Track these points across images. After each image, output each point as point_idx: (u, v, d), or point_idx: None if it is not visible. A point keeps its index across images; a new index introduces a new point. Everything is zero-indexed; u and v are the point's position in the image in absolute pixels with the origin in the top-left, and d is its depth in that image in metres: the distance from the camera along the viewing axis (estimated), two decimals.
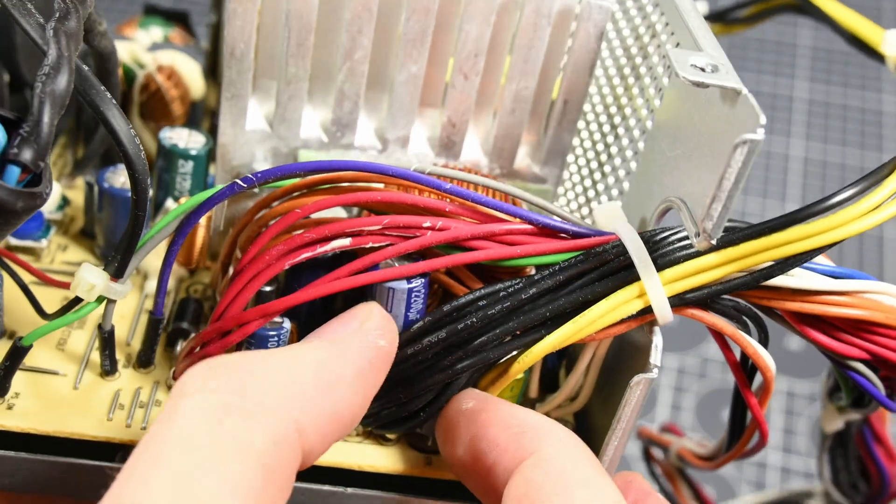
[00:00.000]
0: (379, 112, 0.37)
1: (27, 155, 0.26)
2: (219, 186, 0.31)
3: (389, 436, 0.34)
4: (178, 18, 0.50)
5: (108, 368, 0.33)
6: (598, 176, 0.38)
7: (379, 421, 0.33)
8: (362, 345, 0.28)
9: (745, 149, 0.26)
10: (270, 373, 0.26)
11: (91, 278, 0.30)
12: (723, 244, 0.29)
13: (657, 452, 0.44)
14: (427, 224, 0.31)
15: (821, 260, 0.31)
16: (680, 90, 0.31)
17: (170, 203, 0.38)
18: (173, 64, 0.45)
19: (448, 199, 0.31)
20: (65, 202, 0.40)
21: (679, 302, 0.30)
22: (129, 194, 0.34)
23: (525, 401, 0.36)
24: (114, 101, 0.29)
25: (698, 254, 0.29)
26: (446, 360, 0.30)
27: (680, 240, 0.30)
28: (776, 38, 0.94)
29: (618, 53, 0.37)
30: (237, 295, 0.31)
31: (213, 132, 0.38)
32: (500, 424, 0.29)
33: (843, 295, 0.31)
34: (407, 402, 0.32)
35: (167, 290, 0.33)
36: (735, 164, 0.26)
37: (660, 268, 0.30)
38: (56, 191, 0.40)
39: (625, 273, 0.30)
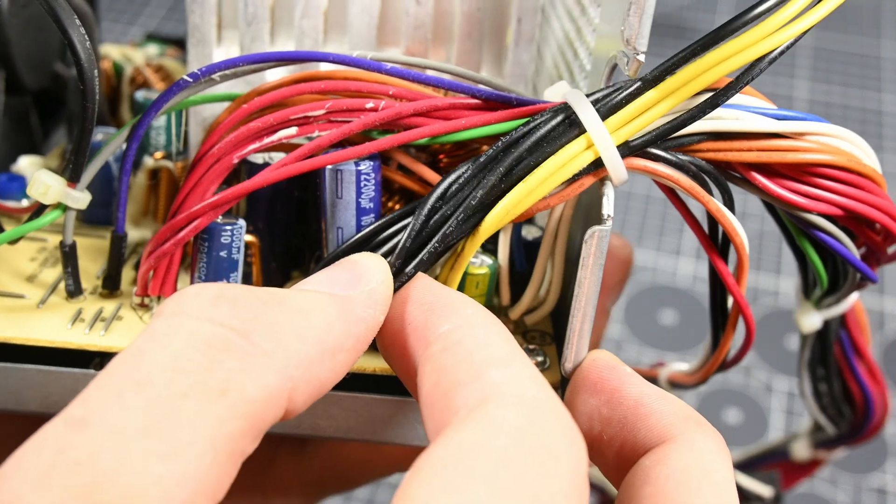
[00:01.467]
0: (341, 50, 0.38)
1: None
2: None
3: None
4: (175, 42, 0.53)
5: (72, 289, 0.33)
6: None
7: None
8: (366, 315, 0.27)
9: None
10: (278, 321, 0.25)
11: (46, 179, 0.31)
12: (659, 77, 0.29)
13: None
14: (370, 105, 0.31)
15: (767, 105, 0.31)
16: None
17: (146, 159, 0.39)
18: (162, 62, 0.46)
19: (391, 84, 0.31)
20: None
21: (628, 150, 0.29)
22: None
23: (497, 309, 0.35)
24: (65, 4, 0.31)
25: (639, 92, 0.29)
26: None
27: (620, 87, 0.29)
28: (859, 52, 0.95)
29: None
30: (189, 192, 0.32)
31: None
32: (416, 301, 0.28)
33: (795, 139, 0.30)
34: None
35: (126, 205, 0.33)
36: None
37: (603, 117, 0.29)
38: (41, 163, 0.41)
39: (572, 130, 0.29)
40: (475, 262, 0.33)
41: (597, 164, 0.29)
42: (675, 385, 0.39)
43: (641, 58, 0.28)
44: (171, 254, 0.32)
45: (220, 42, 0.39)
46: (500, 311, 0.35)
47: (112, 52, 0.46)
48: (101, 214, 0.38)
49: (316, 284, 0.27)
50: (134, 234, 0.38)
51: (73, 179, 0.32)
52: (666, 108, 0.29)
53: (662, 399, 0.28)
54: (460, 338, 0.25)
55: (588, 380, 0.29)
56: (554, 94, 0.31)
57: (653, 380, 0.40)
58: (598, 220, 0.29)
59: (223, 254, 0.32)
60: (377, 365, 0.32)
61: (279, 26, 0.38)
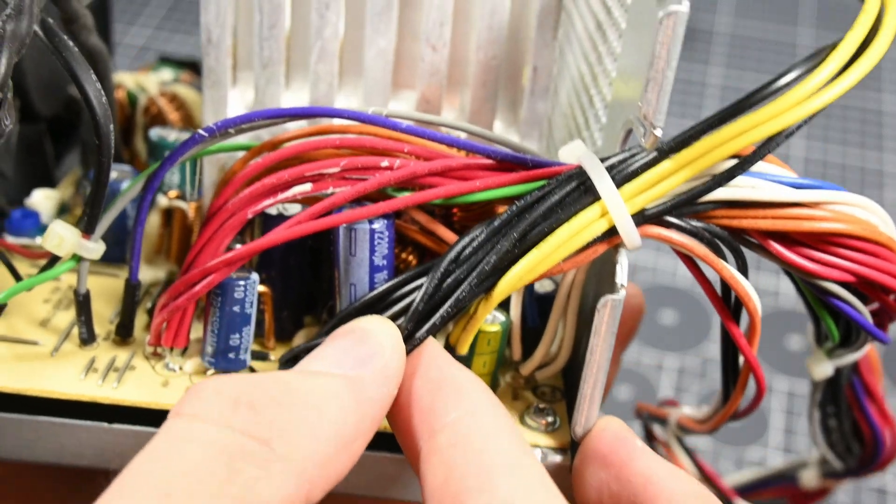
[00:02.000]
0: (356, 94, 0.38)
1: None
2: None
3: None
4: (189, 66, 0.52)
5: (86, 336, 0.33)
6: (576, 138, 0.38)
7: None
8: (380, 394, 0.27)
9: (671, 21, 0.26)
10: (295, 422, 0.25)
11: (61, 231, 0.31)
12: (675, 147, 0.28)
13: (658, 431, 0.42)
14: (385, 164, 0.31)
15: (785, 173, 0.31)
16: (632, 23, 0.32)
17: (160, 198, 0.39)
18: (175, 90, 0.46)
19: (406, 141, 0.31)
20: (65, 209, 0.41)
21: (643, 219, 0.29)
22: (122, 185, 0.36)
23: (507, 363, 0.35)
24: (79, 55, 0.31)
25: (655, 162, 0.29)
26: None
27: (636, 155, 0.29)
28: (776, 39, 0.94)
29: (581, 9, 0.38)
30: (203, 247, 0.32)
31: None
32: (422, 376, 0.28)
33: (813, 207, 0.30)
34: None
35: (140, 254, 0.33)
36: (663, 40, 0.26)
37: (619, 184, 0.29)
38: (55, 197, 0.41)
39: (587, 197, 0.29)
40: (487, 318, 0.33)
41: (611, 232, 0.29)
42: (684, 430, 0.39)
43: (658, 132, 0.28)
44: (185, 307, 0.32)
45: (234, 83, 0.39)
46: (511, 366, 0.35)
47: (126, 80, 0.46)
48: (112, 253, 0.38)
49: (328, 364, 0.27)
50: (146, 273, 0.38)
51: (87, 231, 0.32)
52: (682, 178, 0.29)
53: (672, 478, 0.28)
54: (467, 431, 0.25)
55: (598, 451, 0.29)
56: (569, 154, 0.31)
57: (662, 420, 0.40)
58: (612, 287, 0.29)
59: (236, 308, 0.32)
60: (385, 423, 0.32)
61: (294, 69, 0.38)
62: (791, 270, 0.31)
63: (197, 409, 0.24)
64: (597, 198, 0.29)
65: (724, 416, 0.35)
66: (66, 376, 0.32)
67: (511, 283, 0.29)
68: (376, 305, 0.31)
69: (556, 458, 0.32)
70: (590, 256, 0.30)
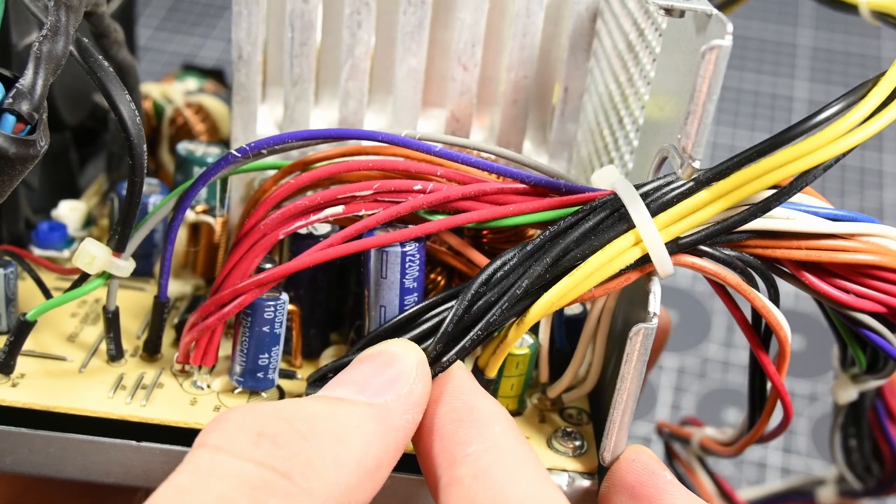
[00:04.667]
0: (385, 112, 0.38)
1: (23, 106, 0.27)
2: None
3: None
4: (213, 74, 0.52)
5: (114, 353, 0.33)
6: (605, 161, 0.38)
7: None
8: (404, 422, 0.27)
9: (713, 55, 0.25)
10: (318, 455, 0.25)
11: (92, 250, 0.31)
12: (712, 178, 0.28)
13: (679, 450, 0.42)
14: (418, 187, 0.31)
15: (820, 204, 0.30)
16: (667, 48, 0.32)
17: (187, 212, 0.39)
18: (201, 101, 0.46)
19: (439, 164, 0.31)
20: (90, 221, 0.42)
21: (677, 248, 0.29)
22: (150, 199, 0.36)
23: (534, 385, 0.35)
24: (114, 75, 0.31)
25: (691, 192, 0.29)
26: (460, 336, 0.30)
27: (672, 183, 0.29)
28: (776, 39, 0.94)
29: (612, 32, 0.38)
30: (234, 266, 0.32)
31: None
32: (446, 404, 0.28)
33: (847, 239, 0.30)
34: None
35: (170, 272, 0.33)
36: (705, 73, 0.26)
37: (654, 213, 0.29)
38: (81, 208, 0.41)
39: (621, 224, 0.29)
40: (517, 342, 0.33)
41: (644, 260, 0.29)
42: (707, 451, 0.39)
43: (697, 164, 0.28)
44: (215, 327, 0.32)
45: (264, 99, 0.39)
46: (538, 387, 0.35)
47: (152, 90, 0.46)
48: (140, 267, 0.38)
49: (353, 390, 0.27)
50: (173, 287, 0.38)
51: (118, 249, 0.32)
52: (718, 209, 0.29)
53: None
54: (489, 465, 0.26)
55: (626, 481, 0.29)
56: (602, 180, 0.31)
57: (685, 441, 0.40)
58: (644, 315, 0.29)
59: (266, 329, 0.32)
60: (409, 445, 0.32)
61: (324, 86, 0.38)
62: (824, 302, 0.31)
63: (221, 442, 0.24)
64: (631, 226, 0.29)
65: (749, 440, 0.35)
66: (95, 393, 0.32)
67: (543, 308, 0.29)
68: (406, 327, 0.31)
69: (584, 483, 0.32)
70: (622, 284, 0.30)
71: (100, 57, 0.30)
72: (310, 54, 0.36)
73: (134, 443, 0.31)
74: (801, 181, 0.28)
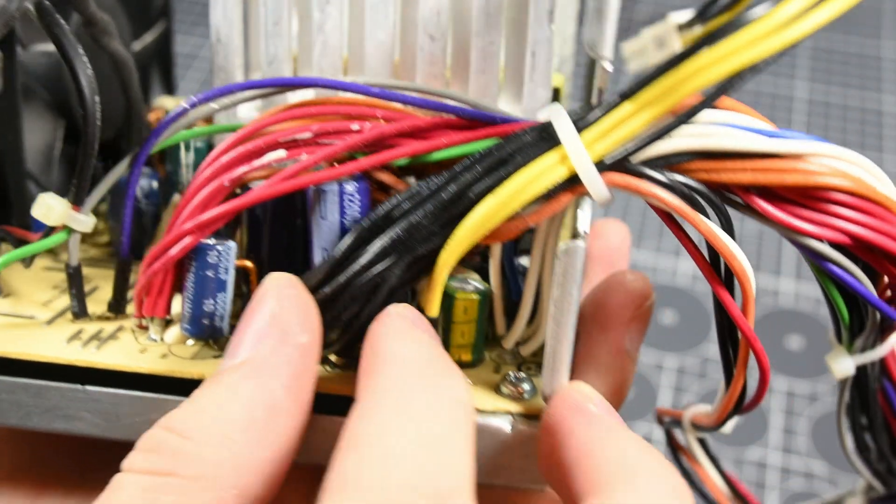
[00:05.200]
0: None
1: None
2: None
3: (337, 362, 0.32)
4: None
5: (77, 310, 0.34)
6: None
7: None
8: (284, 357, 0.27)
9: None
10: (203, 433, 0.26)
11: (49, 201, 0.32)
12: (637, 87, 0.27)
13: (680, 438, 0.39)
14: (356, 127, 0.31)
15: (765, 125, 0.29)
16: None
17: (176, 197, 0.40)
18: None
19: (379, 106, 0.31)
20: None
21: (607, 166, 0.28)
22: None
23: (492, 338, 0.33)
24: (81, 53, 0.32)
25: (615, 105, 0.28)
26: (376, 272, 0.29)
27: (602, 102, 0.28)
28: None
29: None
30: (180, 213, 0.32)
31: None
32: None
33: (796, 160, 0.28)
34: (332, 319, 0.30)
35: (130, 230, 0.34)
36: None
37: (581, 130, 0.28)
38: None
39: (547, 144, 0.28)
40: (465, 287, 0.32)
41: (574, 181, 0.28)
42: (698, 427, 0.36)
43: (608, 65, 0.27)
44: (164, 274, 0.32)
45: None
46: (495, 341, 0.33)
47: (167, 103, 0.48)
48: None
49: (228, 358, 0.28)
50: None
51: (76, 202, 0.33)
52: (645, 120, 0.28)
53: (609, 445, 0.26)
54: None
55: (550, 418, 0.28)
56: (544, 113, 0.31)
57: (677, 421, 0.38)
58: (573, 236, 0.28)
59: (210, 273, 0.32)
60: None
61: (300, 66, 0.39)
62: (779, 231, 0.30)
63: (124, 465, 0.26)
64: (557, 143, 0.28)
65: (728, 402, 0.32)
66: (50, 343, 0.33)
67: (469, 230, 0.28)
68: (341, 266, 0.30)
69: (528, 426, 0.30)
70: (554, 208, 0.29)
71: (58, 17, 0.32)
72: (283, 33, 0.37)
73: (79, 386, 0.32)
74: (730, 83, 0.27)
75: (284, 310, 0.28)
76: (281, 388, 0.27)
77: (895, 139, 0.86)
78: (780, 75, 0.92)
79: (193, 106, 0.32)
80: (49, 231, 0.33)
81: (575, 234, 0.28)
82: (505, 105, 0.38)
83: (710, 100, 0.27)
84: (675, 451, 0.39)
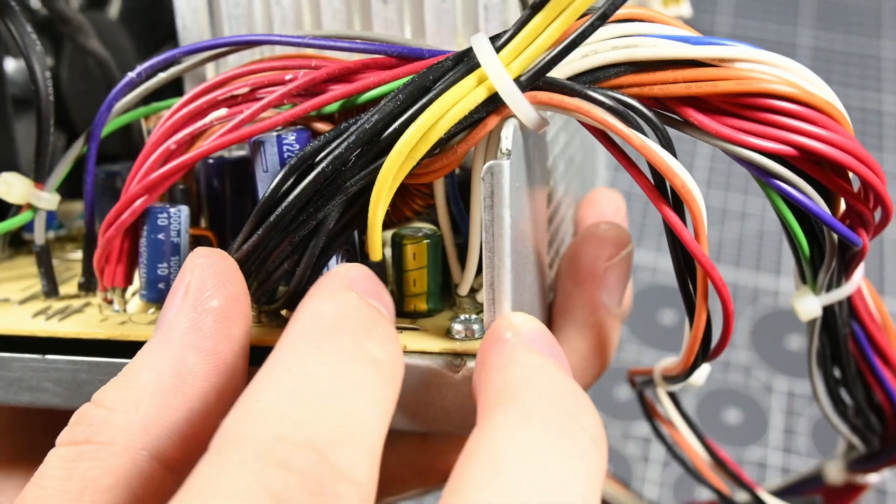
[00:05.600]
0: None
1: None
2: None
3: (283, 313, 0.32)
4: None
5: (47, 289, 0.35)
6: None
7: (261, 297, 0.31)
8: (193, 323, 0.28)
9: None
10: (117, 402, 0.27)
11: (10, 178, 0.33)
12: (543, 0, 0.27)
13: (653, 399, 0.37)
14: (289, 77, 0.31)
15: (689, 33, 0.28)
16: None
17: None
18: None
19: (312, 56, 0.31)
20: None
21: (529, 83, 0.28)
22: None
23: (448, 286, 0.33)
24: (30, 32, 0.33)
25: (528, 19, 0.27)
26: (307, 213, 0.29)
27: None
28: (776, 39, 0.91)
29: None
30: (133, 178, 0.32)
31: None
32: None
33: (726, 67, 0.27)
34: (275, 270, 0.30)
35: (93, 205, 0.34)
36: None
37: (498, 50, 0.28)
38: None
39: (466, 68, 0.28)
40: (413, 233, 0.31)
41: (495, 100, 0.28)
42: (669, 379, 0.35)
43: None
44: (120, 242, 0.33)
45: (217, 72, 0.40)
46: (453, 289, 0.33)
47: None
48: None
49: (161, 316, 0.29)
50: None
51: (38, 179, 0.34)
52: (558, 31, 0.27)
53: (503, 369, 0.26)
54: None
55: (479, 352, 0.27)
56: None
57: (648, 378, 0.36)
58: (495, 155, 0.27)
59: (161, 236, 0.32)
60: None
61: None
62: (718, 146, 0.28)
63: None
64: (477, 65, 0.28)
65: (693, 343, 0.31)
66: (15, 318, 0.33)
67: (393, 162, 0.28)
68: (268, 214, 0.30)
69: (472, 366, 0.29)
70: (481, 132, 0.28)
71: (27, 27, 0.33)
72: (244, 14, 0.38)
73: (39, 356, 0.32)
74: None
75: (196, 278, 0.28)
76: (192, 353, 0.27)
77: (895, 139, 0.85)
78: None
79: (139, 75, 0.33)
80: (16, 211, 0.34)
81: (499, 153, 0.27)
82: None
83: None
84: (650, 415, 0.38)
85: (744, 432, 0.67)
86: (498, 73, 0.27)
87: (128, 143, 0.42)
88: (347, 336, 0.25)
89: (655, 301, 0.74)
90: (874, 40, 0.93)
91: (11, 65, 0.44)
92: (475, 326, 0.30)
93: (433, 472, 0.39)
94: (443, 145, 0.29)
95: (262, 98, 0.31)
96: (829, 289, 0.32)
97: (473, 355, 0.29)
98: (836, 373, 0.34)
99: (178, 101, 0.32)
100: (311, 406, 0.23)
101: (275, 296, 0.32)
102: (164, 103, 0.35)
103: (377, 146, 0.28)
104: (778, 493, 0.39)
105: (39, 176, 0.33)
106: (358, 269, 0.28)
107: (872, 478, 0.38)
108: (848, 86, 0.89)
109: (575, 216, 0.43)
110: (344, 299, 0.26)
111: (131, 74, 0.33)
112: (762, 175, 0.29)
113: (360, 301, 0.26)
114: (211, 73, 0.37)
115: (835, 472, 0.37)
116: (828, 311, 0.33)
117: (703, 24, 0.97)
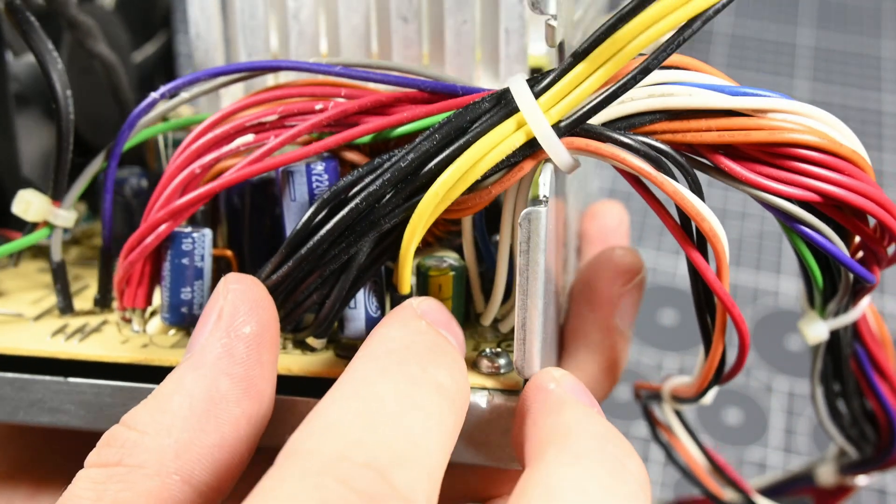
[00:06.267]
0: None
1: None
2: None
3: (315, 345, 0.32)
4: None
5: (62, 305, 0.34)
6: None
7: (287, 325, 0.31)
8: (226, 349, 0.28)
9: None
10: (149, 425, 0.27)
11: (28, 196, 0.33)
12: (590, 47, 0.27)
13: (658, 414, 0.38)
14: (319, 107, 0.31)
15: (724, 82, 0.29)
16: None
17: None
18: None
19: (342, 85, 0.31)
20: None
21: (567, 130, 0.28)
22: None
23: (473, 315, 0.33)
24: (51, 49, 0.33)
25: (570, 68, 0.27)
26: (339, 248, 0.29)
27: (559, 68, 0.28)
28: (776, 39, 0.93)
29: None
30: (155, 203, 0.32)
31: None
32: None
33: (759, 117, 0.28)
34: (304, 300, 0.30)
35: (112, 221, 0.34)
36: None
37: (538, 95, 0.28)
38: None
39: (506, 110, 0.28)
40: (440, 264, 0.32)
41: (533, 145, 0.28)
42: (678, 399, 0.36)
43: (552, 22, 0.27)
44: (142, 264, 0.32)
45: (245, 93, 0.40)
46: (475, 318, 0.33)
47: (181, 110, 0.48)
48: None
49: (191, 343, 0.29)
50: None
51: (56, 198, 0.33)
52: (599, 80, 0.27)
53: (553, 414, 0.26)
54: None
55: (519, 402, 0.28)
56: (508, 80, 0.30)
57: (654, 395, 0.37)
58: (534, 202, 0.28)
59: (185, 261, 0.32)
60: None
61: (279, 54, 0.39)
62: (747, 191, 0.29)
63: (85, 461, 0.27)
64: (515, 110, 0.28)
65: (708, 371, 0.32)
66: (34, 337, 0.33)
67: (429, 202, 0.28)
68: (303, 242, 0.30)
69: (504, 400, 0.30)
70: (516, 175, 0.29)
71: (29, 15, 0.32)
72: (260, 25, 0.37)
73: (62, 378, 0.32)
74: (680, 35, 0.27)
75: (229, 304, 0.28)
76: (225, 378, 0.27)
77: (895, 139, 0.86)
78: (780, 75, 0.92)
79: (163, 96, 0.32)
80: (31, 228, 0.34)
81: (536, 200, 0.28)
82: (484, 83, 0.38)
83: (663, 53, 0.27)
84: (653, 425, 0.39)
85: (744, 432, 0.68)
86: (537, 119, 0.27)
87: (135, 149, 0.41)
88: (414, 361, 0.26)
89: (655, 301, 0.75)
90: (874, 40, 0.94)
91: (13, 61, 0.43)
92: (501, 361, 0.31)
93: (455, 496, 0.39)
94: (477, 185, 0.29)
95: (290, 126, 0.31)
96: (836, 314, 0.33)
97: (500, 390, 0.30)
98: (836, 387, 0.35)
99: (203, 124, 0.32)
100: (374, 427, 0.24)
101: (301, 324, 0.32)
102: (183, 120, 0.35)
103: (412, 185, 0.28)
104: (768, 490, 0.40)
105: (58, 194, 0.33)
106: (429, 301, 0.29)
107: (862, 480, 0.40)
108: (848, 86, 0.90)
109: (579, 229, 0.43)
110: (414, 327, 0.27)
111: (154, 95, 0.33)
112: (786, 219, 0.29)
113: (429, 329, 0.27)
114: (235, 92, 0.37)
115: (826, 475, 0.39)
116: (833, 333, 0.34)
117: (704, 27, 0.98)
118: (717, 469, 0.37)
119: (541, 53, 0.41)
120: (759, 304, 0.75)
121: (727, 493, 0.39)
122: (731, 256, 0.77)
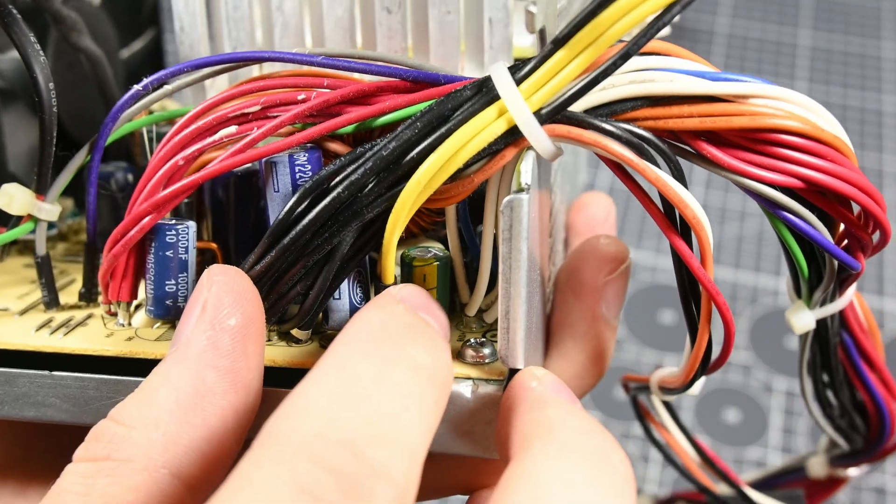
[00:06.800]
0: None
1: None
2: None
3: (299, 336, 0.32)
4: None
5: (47, 299, 0.34)
6: None
7: (272, 316, 0.31)
8: (211, 341, 0.28)
9: None
10: (136, 419, 0.27)
11: (11, 190, 0.33)
12: (569, 34, 0.27)
13: (647, 404, 0.38)
14: (302, 97, 0.31)
15: (706, 68, 0.29)
16: None
17: None
18: None
19: (325, 75, 0.31)
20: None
21: (548, 117, 0.28)
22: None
23: (459, 305, 0.33)
24: (33, 42, 0.33)
25: (550, 54, 0.27)
26: (322, 238, 0.29)
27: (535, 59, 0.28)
28: (776, 39, 0.93)
29: None
30: (139, 196, 0.32)
31: None
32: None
33: (740, 103, 0.28)
34: (288, 291, 0.30)
35: (96, 215, 0.34)
36: None
37: (519, 83, 0.28)
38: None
39: (487, 98, 0.28)
40: (424, 255, 0.32)
41: (514, 133, 0.28)
42: (665, 390, 0.35)
43: (532, 8, 0.27)
44: (126, 257, 0.32)
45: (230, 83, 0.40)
46: (460, 309, 0.33)
47: (168, 105, 0.48)
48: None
49: (175, 337, 0.29)
50: None
51: (39, 191, 0.33)
52: (580, 67, 0.27)
53: (537, 410, 0.26)
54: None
55: (503, 400, 0.28)
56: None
57: (643, 387, 0.37)
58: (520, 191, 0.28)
59: (169, 253, 0.32)
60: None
61: (264, 47, 0.39)
62: (729, 178, 0.29)
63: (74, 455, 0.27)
64: (496, 97, 0.28)
65: (693, 361, 0.32)
66: (19, 331, 0.33)
67: (411, 190, 0.28)
68: (285, 231, 0.30)
69: (489, 389, 0.30)
70: (498, 163, 0.29)
71: (10, 7, 0.32)
72: (244, 18, 0.37)
73: (46, 372, 0.32)
74: (660, 20, 0.27)
75: (213, 296, 0.28)
76: (211, 371, 0.27)
77: (895, 139, 0.86)
78: (780, 76, 0.92)
79: (146, 88, 0.32)
80: (16, 222, 0.34)
81: (518, 188, 0.28)
82: (469, 75, 0.38)
83: (642, 39, 0.27)
84: (642, 417, 0.39)
85: (743, 432, 0.68)
86: (519, 106, 0.27)
87: (119, 143, 0.41)
88: (391, 341, 0.26)
89: (655, 301, 0.75)
90: (874, 40, 0.94)
91: None
92: (486, 351, 0.31)
93: (441, 487, 0.39)
94: (459, 174, 0.29)
95: (273, 116, 0.31)
96: (823, 303, 0.33)
97: (485, 380, 0.30)
98: (825, 377, 0.35)
99: (186, 116, 0.32)
100: (350, 405, 0.24)
101: (286, 315, 0.32)
102: (166, 113, 0.35)
103: (395, 173, 0.28)
104: (759, 483, 0.40)
105: (41, 187, 0.33)
106: (409, 287, 0.29)
107: (853, 472, 0.40)
108: (848, 86, 0.90)
109: (566, 220, 0.43)
110: (391, 310, 0.27)
111: (137, 87, 0.32)
112: (770, 206, 0.29)
113: (406, 311, 0.27)
114: (220, 84, 0.37)
115: (818, 467, 0.39)
116: (820, 322, 0.34)
117: (703, 25, 0.97)
118: (708, 462, 0.37)
119: (526, 45, 0.41)
120: (758, 304, 0.75)
121: (719, 487, 0.39)
122: (731, 256, 0.77)
